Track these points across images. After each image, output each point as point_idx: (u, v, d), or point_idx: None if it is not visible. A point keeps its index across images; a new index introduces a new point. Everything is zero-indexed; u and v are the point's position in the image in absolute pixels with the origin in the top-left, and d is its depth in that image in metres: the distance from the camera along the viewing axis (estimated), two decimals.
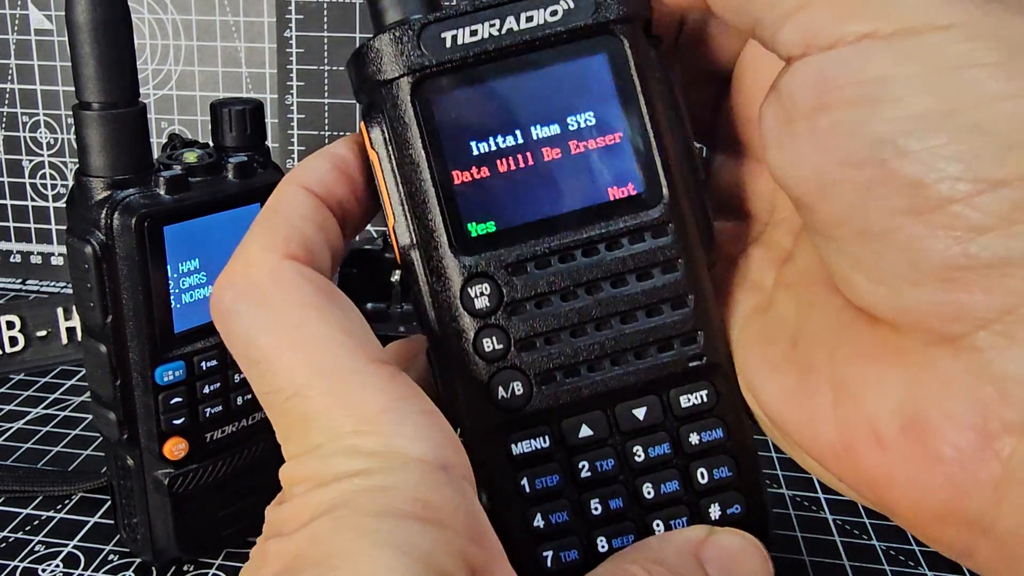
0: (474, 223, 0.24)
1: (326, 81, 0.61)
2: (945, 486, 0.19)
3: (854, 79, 0.19)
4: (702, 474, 0.25)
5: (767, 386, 0.24)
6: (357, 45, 0.59)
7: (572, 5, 0.24)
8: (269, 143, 0.38)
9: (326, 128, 0.61)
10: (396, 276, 0.57)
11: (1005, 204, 0.18)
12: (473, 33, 0.23)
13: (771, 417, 0.24)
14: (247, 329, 0.22)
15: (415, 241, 0.24)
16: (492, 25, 0.23)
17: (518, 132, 0.24)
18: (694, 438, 0.25)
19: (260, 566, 0.20)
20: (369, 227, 0.60)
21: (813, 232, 0.22)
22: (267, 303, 0.22)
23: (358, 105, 0.26)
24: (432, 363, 0.25)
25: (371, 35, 0.24)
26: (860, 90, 0.19)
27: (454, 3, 0.25)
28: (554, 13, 0.23)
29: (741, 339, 0.25)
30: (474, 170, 0.24)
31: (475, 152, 0.24)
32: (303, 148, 0.62)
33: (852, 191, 0.20)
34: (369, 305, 0.59)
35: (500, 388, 0.24)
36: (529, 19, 0.23)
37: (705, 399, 0.25)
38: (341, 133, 0.61)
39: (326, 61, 0.60)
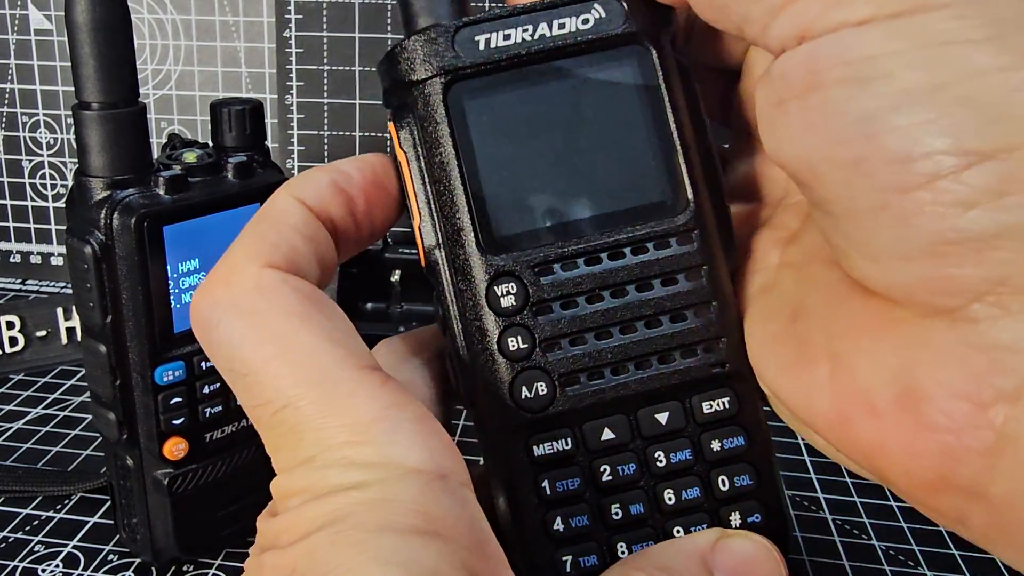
0: (501, 223, 0.24)
1: (325, 81, 0.61)
2: (938, 454, 0.19)
3: (843, 59, 0.19)
4: (723, 481, 0.25)
5: (767, 359, 0.24)
6: (356, 45, 0.60)
7: (603, 14, 0.24)
8: (269, 143, 0.38)
9: (325, 128, 0.61)
10: (396, 276, 0.57)
11: (992, 177, 0.18)
12: (506, 37, 0.24)
13: (771, 389, 0.24)
14: (230, 340, 0.21)
15: (441, 240, 0.24)
16: (525, 30, 0.24)
17: (546, 135, 0.24)
18: (715, 445, 0.25)
19: None
20: None
21: (813, 208, 0.22)
22: (251, 312, 0.21)
23: (387, 107, 0.26)
24: (452, 363, 0.25)
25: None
26: (849, 69, 0.19)
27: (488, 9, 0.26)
28: (586, 21, 0.24)
29: (747, 317, 0.25)
30: (503, 171, 0.24)
31: (504, 153, 0.24)
32: (303, 148, 0.62)
33: (841, 169, 0.20)
34: (369, 305, 0.59)
35: (524, 388, 0.24)
36: (561, 26, 0.24)
37: (727, 406, 0.25)
38: (341, 133, 0.61)
39: (326, 61, 0.60)
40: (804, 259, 0.24)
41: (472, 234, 0.24)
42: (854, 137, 0.19)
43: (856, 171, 0.20)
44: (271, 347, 0.21)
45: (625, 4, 0.24)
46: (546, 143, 0.24)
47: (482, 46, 0.24)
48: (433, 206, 0.24)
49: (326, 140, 0.61)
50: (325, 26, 0.60)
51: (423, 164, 0.24)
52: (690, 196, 0.24)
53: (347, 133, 0.61)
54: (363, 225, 0.25)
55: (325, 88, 0.61)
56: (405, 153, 0.25)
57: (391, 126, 0.25)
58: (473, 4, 0.25)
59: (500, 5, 0.24)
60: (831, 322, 0.22)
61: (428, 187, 0.24)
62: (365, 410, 0.20)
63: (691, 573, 0.22)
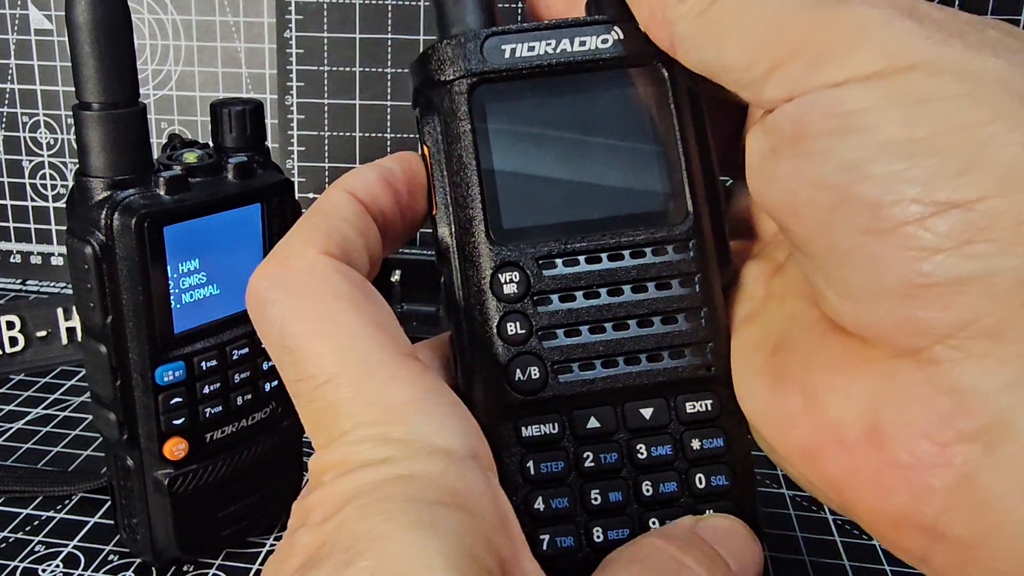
0: (510, 217, 0.25)
1: (326, 81, 0.61)
2: (902, 491, 0.20)
3: (828, 112, 0.21)
4: (700, 479, 0.26)
5: (747, 388, 0.25)
6: (357, 46, 0.60)
7: (622, 36, 0.26)
8: (269, 143, 0.38)
9: (326, 128, 0.61)
10: (396, 276, 0.57)
11: (957, 226, 0.19)
12: (531, 48, 0.26)
13: (749, 418, 0.25)
14: (281, 317, 0.23)
15: (454, 229, 0.26)
16: (548, 44, 0.26)
17: (559, 141, 0.26)
18: (695, 443, 0.26)
19: (287, 556, 0.20)
20: None
21: (795, 250, 0.23)
22: (303, 293, 0.23)
23: (414, 106, 0.28)
24: (454, 347, 0.27)
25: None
26: (833, 122, 0.20)
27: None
28: (605, 41, 0.26)
29: (732, 344, 0.26)
30: (516, 169, 0.26)
31: (518, 154, 0.26)
32: (303, 148, 0.62)
33: (821, 212, 0.21)
34: None
35: (518, 370, 0.25)
36: (582, 43, 0.26)
37: (709, 408, 0.26)
38: (341, 134, 0.61)
39: (326, 62, 0.60)
40: (787, 293, 0.26)
41: (482, 224, 0.25)
42: (835, 183, 0.21)
43: (835, 214, 0.21)
44: (319, 326, 0.22)
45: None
46: (558, 147, 0.26)
47: (508, 55, 0.26)
48: (449, 197, 0.26)
49: (326, 141, 0.61)
50: (325, 27, 0.60)
51: (444, 157, 0.26)
52: (690, 208, 0.26)
53: (347, 134, 0.61)
54: (407, 218, 0.27)
55: (325, 89, 0.61)
56: (428, 147, 0.26)
57: (417, 122, 0.27)
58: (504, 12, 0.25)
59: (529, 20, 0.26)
60: (808, 357, 0.23)
61: (447, 179, 0.26)
62: (402, 392, 0.21)
63: (690, 543, 0.23)
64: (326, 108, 0.61)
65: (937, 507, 0.20)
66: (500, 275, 0.25)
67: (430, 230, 0.27)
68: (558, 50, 0.26)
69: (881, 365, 0.21)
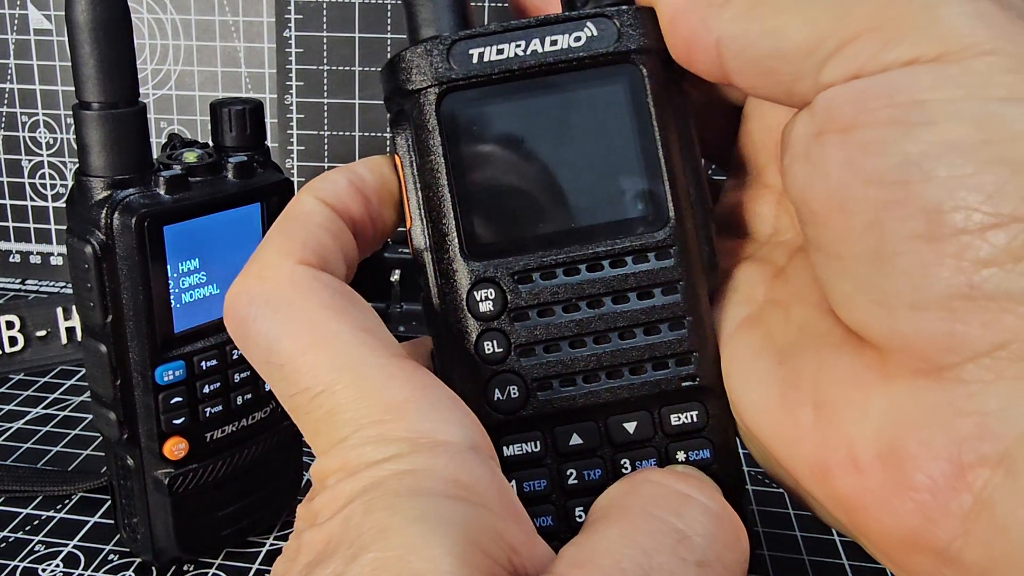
0: (485, 231, 0.25)
1: (325, 81, 0.61)
2: (915, 514, 0.20)
3: (892, 100, 0.19)
4: None
5: (750, 398, 0.24)
6: (356, 45, 0.60)
7: (595, 32, 0.24)
8: (269, 143, 0.38)
9: (325, 128, 0.61)
10: (396, 276, 0.57)
11: (1016, 240, 0.18)
12: (500, 52, 0.24)
13: (750, 429, 0.24)
14: (267, 332, 0.22)
15: (429, 244, 0.25)
16: (518, 46, 0.24)
17: (534, 148, 0.25)
18: (681, 456, 0.25)
19: (294, 556, 0.20)
20: None
21: (817, 250, 0.22)
22: (286, 306, 0.22)
23: (388, 112, 0.27)
24: (435, 362, 0.26)
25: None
26: (896, 111, 0.19)
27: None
28: (578, 39, 0.24)
29: (728, 349, 0.25)
30: (489, 181, 0.25)
31: (491, 164, 0.25)
32: (302, 148, 0.62)
33: (872, 209, 0.20)
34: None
35: (496, 390, 0.24)
36: (553, 43, 0.24)
37: (695, 419, 0.25)
38: (340, 133, 0.61)
39: (325, 61, 0.60)
40: (793, 299, 0.25)
41: (457, 240, 0.24)
42: (892, 180, 0.19)
43: (886, 214, 0.20)
44: (308, 337, 0.22)
45: (617, 24, 0.24)
46: (533, 155, 0.25)
47: (476, 59, 0.24)
48: (423, 211, 0.25)
49: (326, 140, 0.61)
50: (325, 26, 0.60)
51: (415, 170, 0.25)
52: (671, 213, 0.25)
53: (347, 133, 0.61)
54: (377, 224, 0.26)
55: (325, 88, 0.61)
56: (400, 159, 0.25)
57: (390, 131, 0.26)
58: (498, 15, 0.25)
59: (507, 20, 0.25)
60: (820, 370, 0.22)
61: (419, 192, 0.25)
62: (399, 391, 0.21)
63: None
64: (325, 107, 0.61)
65: (952, 532, 0.19)
66: (476, 292, 0.24)
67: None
68: (528, 52, 0.24)
69: (901, 383, 0.20)
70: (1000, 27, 0.19)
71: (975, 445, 0.19)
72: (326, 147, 0.61)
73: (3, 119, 0.66)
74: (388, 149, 0.61)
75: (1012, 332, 0.18)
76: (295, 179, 0.61)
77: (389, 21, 0.59)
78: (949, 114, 0.19)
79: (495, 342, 0.24)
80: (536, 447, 0.25)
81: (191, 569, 0.38)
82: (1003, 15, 0.19)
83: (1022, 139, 0.18)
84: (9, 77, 0.65)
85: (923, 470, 0.19)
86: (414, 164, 0.25)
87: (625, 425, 0.25)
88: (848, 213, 0.20)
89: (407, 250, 0.56)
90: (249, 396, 0.37)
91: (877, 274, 0.20)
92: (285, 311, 0.22)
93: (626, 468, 0.25)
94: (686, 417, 0.25)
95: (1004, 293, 0.18)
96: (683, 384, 0.25)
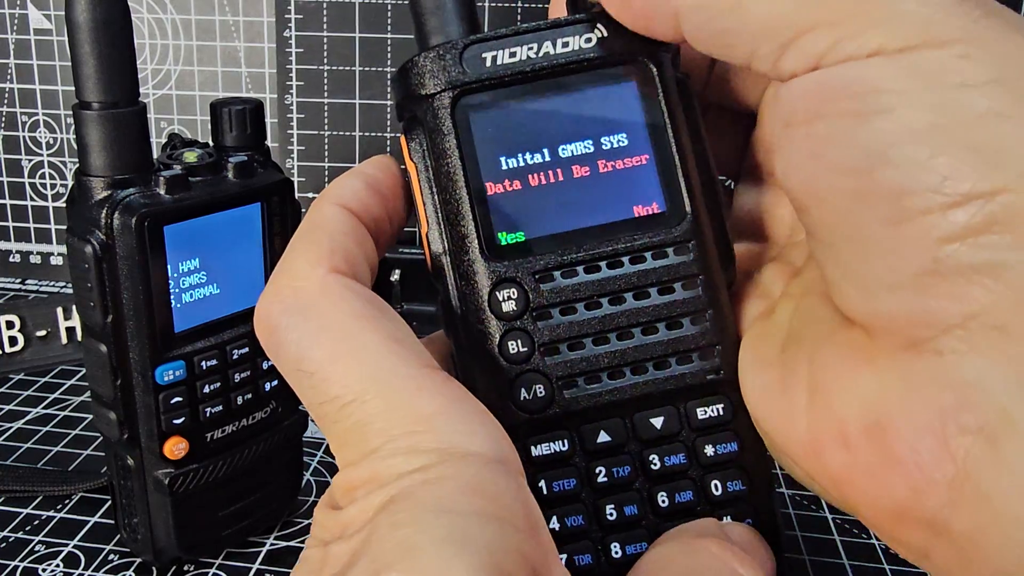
0: (504, 232, 0.25)
1: (325, 81, 0.61)
2: (902, 486, 0.20)
3: (851, 91, 0.20)
4: (716, 486, 0.25)
5: (752, 382, 0.25)
6: (356, 45, 0.60)
7: (605, 34, 0.25)
8: (269, 143, 0.38)
9: (325, 128, 0.61)
10: (396, 276, 0.57)
11: (977, 216, 0.19)
12: (512, 54, 0.25)
13: (752, 412, 0.25)
14: (298, 341, 0.22)
15: (447, 248, 0.25)
16: (530, 48, 0.25)
17: (549, 149, 0.25)
18: (709, 450, 0.25)
19: (320, 568, 0.20)
20: None
21: (811, 237, 0.23)
22: (317, 315, 0.22)
23: (399, 119, 0.27)
24: (456, 365, 0.26)
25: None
26: (855, 102, 0.20)
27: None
28: (588, 40, 0.25)
29: (743, 339, 0.26)
30: (506, 182, 0.25)
31: (508, 165, 0.25)
32: (303, 148, 0.62)
33: (842, 198, 0.21)
34: None
35: (522, 389, 0.24)
36: (565, 44, 0.25)
37: (721, 412, 0.25)
38: (341, 133, 0.61)
39: (325, 61, 0.60)
40: (803, 292, 0.25)
41: (476, 241, 0.24)
42: (856, 168, 0.20)
43: (855, 201, 0.20)
44: (339, 346, 0.22)
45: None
46: (548, 156, 0.25)
47: (488, 63, 0.25)
48: (440, 214, 0.25)
49: (326, 140, 0.61)
50: (325, 26, 0.60)
51: (431, 174, 0.25)
52: (687, 208, 0.25)
53: (347, 133, 0.61)
54: (394, 221, 0.26)
55: (325, 88, 0.61)
56: (415, 164, 0.26)
57: (402, 138, 0.26)
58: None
59: (520, 23, 0.26)
60: (816, 352, 0.23)
61: (436, 196, 0.25)
62: (429, 403, 0.21)
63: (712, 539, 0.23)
64: (326, 107, 0.61)
65: (939, 502, 0.19)
66: (498, 292, 0.24)
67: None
68: (540, 54, 0.25)
69: (885, 359, 0.21)
70: (957, 17, 0.19)
71: (956, 415, 0.19)
72: (326, 147, 0.61)
73: (3, 119, 0.66)
74: (387, 147, 0.61)
75: (979, 304, 0.19)
76: (295, 179, 0.61)
77: (389, 21, 0.59)
78: (906, 102, 0.19)
79: (519, 342, 0.24)
80: (564, 446, 0.25)
81: (191, 569, 0.38)
82: (961, 7, 0.19)
83: (976, 122, 0.19)
84: (9, 77, 0.65)
85: (907, 443, 0.20)
86: (429, 168, 0.25)
87: (652, 420, 0.25)
88: (823, 202, 0.21)
89: (407, 250, 0.57)
90: (249, 396, 0.37)
91: (856, 259, 0.21)
92: (317, 320, 0.22)
93: (655, 464, 0.25)
94: (712, 411, 0.25)
95: (968, 266, 0.19)
96: (708, 377, 0.25)
